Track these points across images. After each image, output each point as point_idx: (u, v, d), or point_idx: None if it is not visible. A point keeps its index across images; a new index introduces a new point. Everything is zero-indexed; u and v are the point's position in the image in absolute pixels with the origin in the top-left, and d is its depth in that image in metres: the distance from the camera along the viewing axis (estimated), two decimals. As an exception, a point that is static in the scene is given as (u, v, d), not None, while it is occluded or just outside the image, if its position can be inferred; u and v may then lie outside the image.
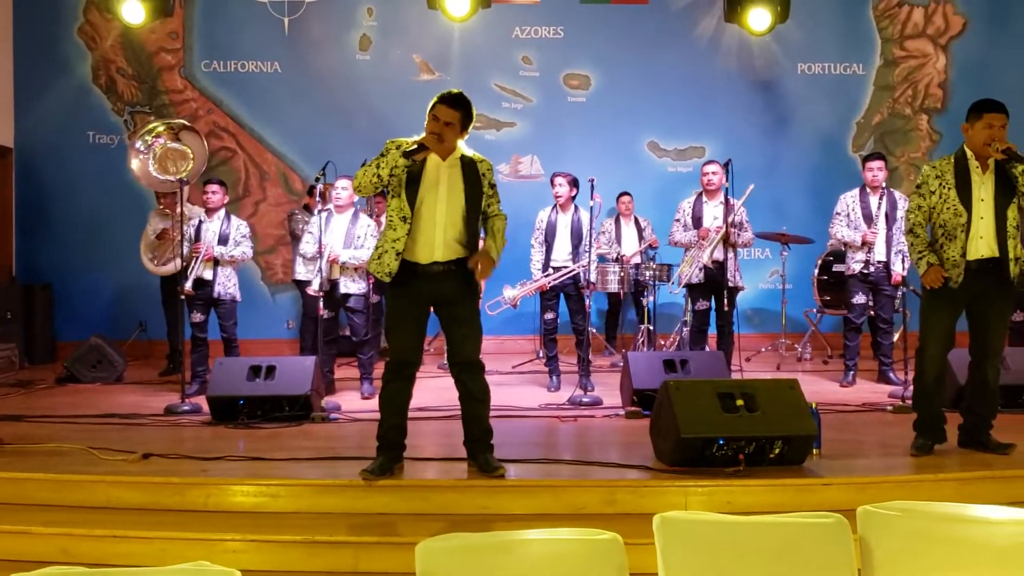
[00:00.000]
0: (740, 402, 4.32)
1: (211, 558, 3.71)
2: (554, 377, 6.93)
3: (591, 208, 6.60)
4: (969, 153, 4.52)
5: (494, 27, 9.47)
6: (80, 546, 3.81)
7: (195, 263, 6.56)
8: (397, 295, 4.24)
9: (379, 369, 7.65)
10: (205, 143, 7.53)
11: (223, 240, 6.73)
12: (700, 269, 6.72)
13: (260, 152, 9.47)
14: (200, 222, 6.79)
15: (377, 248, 4.26)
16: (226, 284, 6.74)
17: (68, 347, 8.28)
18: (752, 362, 8.25)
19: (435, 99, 4.20)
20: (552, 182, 6.86)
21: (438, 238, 4.17)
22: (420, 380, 4.52)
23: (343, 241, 6.53)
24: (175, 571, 2.07)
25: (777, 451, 4.26)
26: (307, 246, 6.62)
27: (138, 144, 7.27)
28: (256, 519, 3.99)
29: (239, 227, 6.83)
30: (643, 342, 8.24)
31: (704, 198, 6.87)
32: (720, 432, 4.22)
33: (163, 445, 4.90)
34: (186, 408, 5.95)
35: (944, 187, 4.52)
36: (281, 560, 3.74)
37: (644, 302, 8.21)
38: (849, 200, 6.90)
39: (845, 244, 6.98)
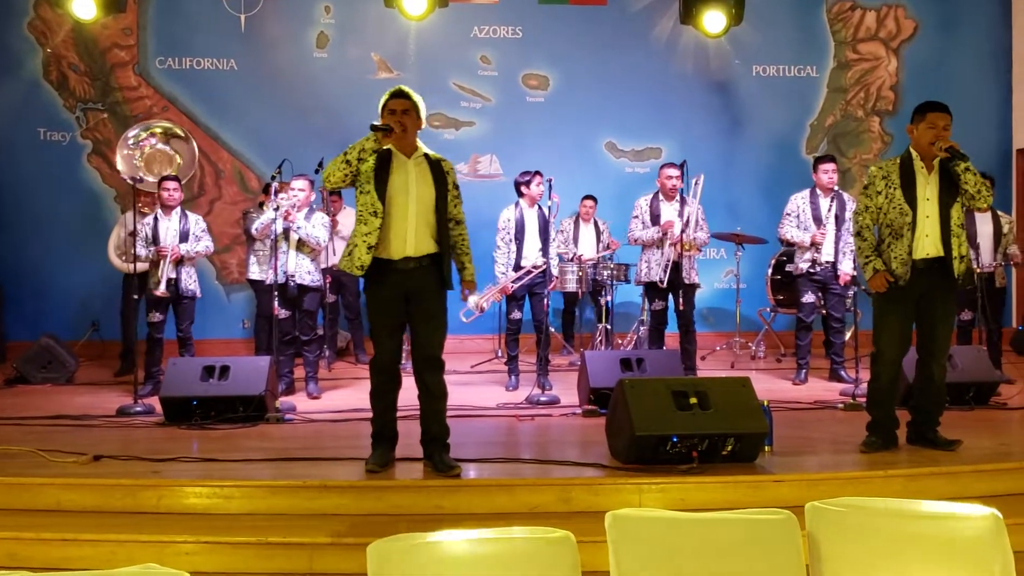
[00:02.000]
0: (693, 400, 4.37)
1: (163, 560, 3.67)
2: (513, 376, 6.94)
3: (549, 207, 6.63)
4: (915, 154, 4.62)
5: (452, 26, 9.46)
6: (28, 550, 3.75)
7: (163, 265, 6.49)
8: (375, 296, 4.34)
9: (325, 368, 7.78)
10: (195, 149, 7.49)
11: (183, 237, 6.70)
12: (661, 267, 6.73)
13: (216, 150, 9.35)
14: (156, 220, 6.71)
15: (348, 245, 4.35)
16: (188, 281, 6.71)
17: (18, 348, 8.11)
18: (707, 360, 8.33)
19: (384, 98, 4.33)
20: (532, 181, 6.81)
21: (410, 234, 4.26)
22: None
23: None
24: (122, 574, 2.04)
25: (729, 448, 4.31)
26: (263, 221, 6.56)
27: (130, 140, 7.21)
28: (209, 521, 3.96)
29: (197, 222, 6.81)
30: (601, 341, 8.28)
31: (661, 197, 6.91)
32: (674, 430, 4.26)
33: (115, 447, 4.84)
34: (139, 409, 5.87)
35: (890, 187, 4.60)
36: (235, 562, 3.71)
37: (602, 301, 8.26)
38: (799, 201, 7.00)
39: (793, 244, 7.08)
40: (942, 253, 4.55)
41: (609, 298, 8.19)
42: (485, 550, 2.23)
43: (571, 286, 8.20)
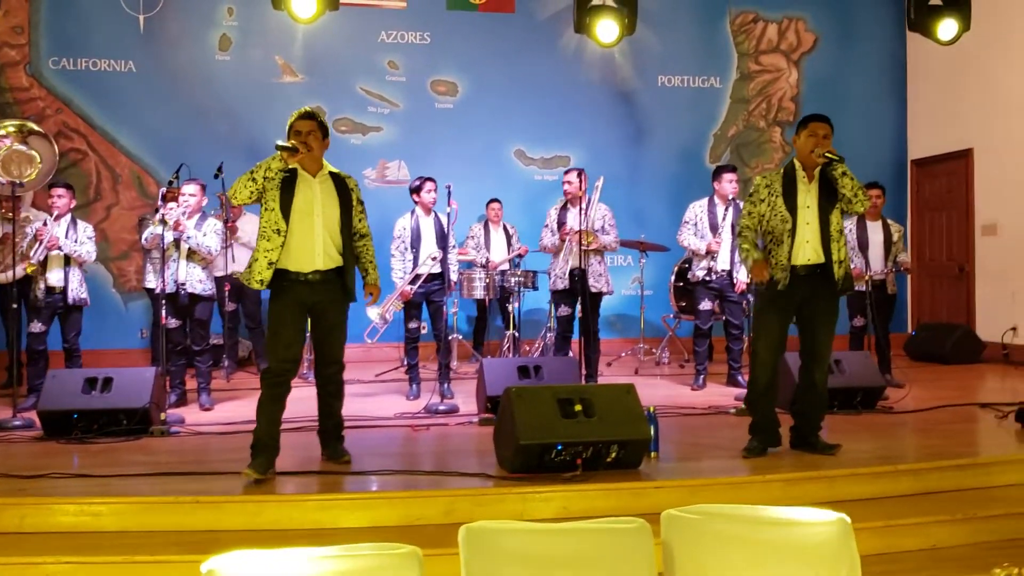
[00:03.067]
0: (578, 407, 4.37)
1: (25, 583, 3.54)
2: (414, 385, 6.87)
3: (448, 214, 6.59)
4: (798, 164, 4.74)
5: (358, 31, 9.38)
6: None
7: (38, 248, 6.24)
8: (280, 303, 4.44)
9: (223, 378, 7.56)
10: (56, 150, 7.27)
11: None
12: (565, 274, 6.75)
13: (113, 154, 9.09)
14: (45, 224, 6.47)
15: (251, 258, 4.50)
16: (79, 289, 6.49)
17: None
18: (612, 367, 8.39)
19: (291, 119, 4.49)
20: (423, 187, 6.74)
21: (318, 249, 4.44)
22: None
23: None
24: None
25: (613, 455, 4.32)
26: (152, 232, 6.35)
27: None
28: (76, 539, 3.80)
29: (84, 230, 6.57)
30: (508, 348, 8.28)
31: (568, 205, 6.93)
32: (558, 438, 4.25)
33: (-16, 463, 4.63)
34: (17, 423, 5.64)
35: (772, 195, 4.71)
36: (102, 582, 3.58)
37: (510, 308, 8.25)
38: (697, 209, 7.10)
39: (691, 252, 7.18)
40: (822, 259, 4.66)
41: (517, 305, 8.19)
42: (325, 568, 2.16)
43: (479, 293, 8.18)
